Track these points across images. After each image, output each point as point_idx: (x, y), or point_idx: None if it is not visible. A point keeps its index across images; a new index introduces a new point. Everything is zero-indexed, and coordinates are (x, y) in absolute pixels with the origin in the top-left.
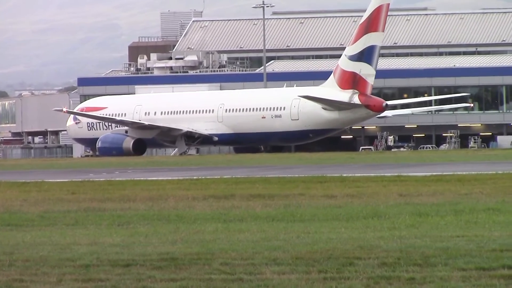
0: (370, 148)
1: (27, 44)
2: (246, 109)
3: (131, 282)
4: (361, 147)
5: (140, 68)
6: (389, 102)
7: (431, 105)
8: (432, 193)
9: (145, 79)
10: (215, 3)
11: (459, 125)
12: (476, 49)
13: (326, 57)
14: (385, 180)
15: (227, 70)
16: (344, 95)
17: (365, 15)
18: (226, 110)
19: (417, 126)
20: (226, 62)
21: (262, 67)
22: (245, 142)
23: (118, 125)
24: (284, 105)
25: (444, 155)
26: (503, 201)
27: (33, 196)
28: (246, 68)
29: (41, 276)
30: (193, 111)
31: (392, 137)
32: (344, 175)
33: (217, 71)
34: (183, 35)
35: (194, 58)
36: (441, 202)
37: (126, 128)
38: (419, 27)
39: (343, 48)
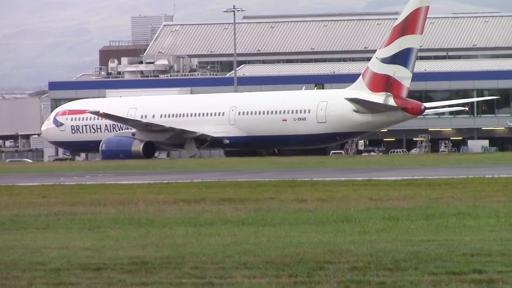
0: (341, 153)
1: None
2: (264, 111)
3: (102, 286)
4: (331, 152)
5: (111, 72)
6: (427, 104)
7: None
8: (403, 198)
9: (115, 83)
10: (186, 8)
11: (429, 129)
12: (447, 53)
13: (296, 61)
14: (355, 184)
15: (198, 74)
16: (377, 98)
17: (400, 17)
18: (239, 112)
19: (388, 130)
20: (196, 66)
21: (233, 71)
22: (260, 146)
23: (108, 128)
24: (309, 107)
25: (414, 159)
26: (473, 206)
27: (3, 200)
28: (217, 72)
29: (11, 279)
30: (199, 114)
31: (362, 141)
32: (315, 179)
33: (187, 75)
34: (153, 39)
35: (165, 62)
36: (412, 207)
37: (132, 130)
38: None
39: (314, 53)
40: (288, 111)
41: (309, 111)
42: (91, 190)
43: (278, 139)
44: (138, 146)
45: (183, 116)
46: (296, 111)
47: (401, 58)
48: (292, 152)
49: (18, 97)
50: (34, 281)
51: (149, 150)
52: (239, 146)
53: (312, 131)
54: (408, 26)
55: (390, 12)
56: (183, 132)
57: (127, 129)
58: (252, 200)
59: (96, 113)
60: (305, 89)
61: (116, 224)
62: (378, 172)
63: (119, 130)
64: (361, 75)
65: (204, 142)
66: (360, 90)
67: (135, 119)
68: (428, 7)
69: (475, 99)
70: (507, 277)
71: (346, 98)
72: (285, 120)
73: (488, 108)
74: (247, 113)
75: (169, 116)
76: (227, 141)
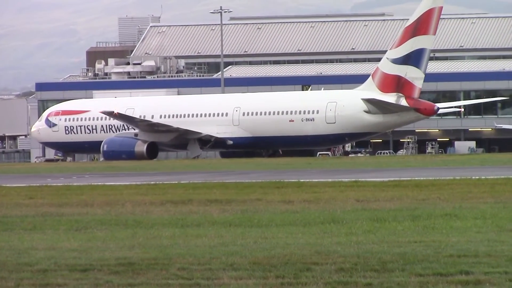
0: (328, 154)
1: None
2: (270, 112)
3: (89, 287)
4: (318, 153)
5: (98, 73)
6: (439, 105)
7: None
8: (390, 199)
9: (102, 84)
10: (173, 9)
11: (416, 130)
12: (434, 54)
13: (283, 62)
14: (342, 186)
15: (185, 76)
16: (388, 98)
17: (412, 18)
18: (244, 113)
19: None
20: (183, 67)
21: (220, 73)
22: (265, 146)
23: (104, 128)
24: (317, 108)
25: (401, 160)
26: (460, 207)
27: None
28: (204, 74)
29: None
30: (201, 114)
31: None
32: (302, 180)
33: (174, 76)
34: (140, 40)
35: (152, 63)
36: (399, 208)
37: (135, 131)
38: (377, 33)
39: (301, 54)
40: (296, 112)
41: (317, 112)
42: (78, 191)
43: (285, 140)
44: (141, 147)
45: (184, 116)
46: (304, 112)
47: (413, 58)
48: (297, 153)
49: (5, 98)
50: (21, 282)
51: (153, 151)
52: (243, 147)
53: (321, 131)
54: (421, 26)
55: (377, 13)
56: (187, 132)
57: (124, 129)
58: (239, 201)
59: (110, 113)
60: (310, 90)
61: (103, 225)
62: (365, 174)
63: (116, 131)
64: (370, 76)
65: (208, 142)
66: (370, 90)
67: (145, 119)
68: (441, 7)
69: (480, 100)
70: (493, 278)
71: (362, 99)
72: (292, 121)
73: (475, 109)
74: (252, 114)
75: (169, 116)
76: (230, 142)
